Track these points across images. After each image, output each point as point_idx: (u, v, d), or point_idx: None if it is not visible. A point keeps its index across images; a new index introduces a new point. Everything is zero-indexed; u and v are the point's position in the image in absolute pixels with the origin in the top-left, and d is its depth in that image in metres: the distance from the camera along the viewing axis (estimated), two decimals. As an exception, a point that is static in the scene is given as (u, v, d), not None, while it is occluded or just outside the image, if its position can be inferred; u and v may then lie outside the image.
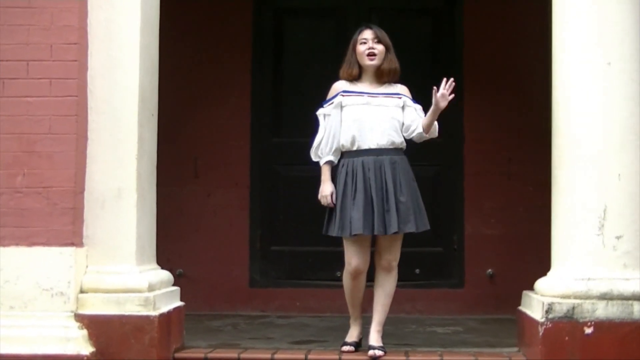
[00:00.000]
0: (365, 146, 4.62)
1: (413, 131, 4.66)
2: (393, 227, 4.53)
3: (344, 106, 4.69)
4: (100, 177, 4.51)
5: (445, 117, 6.42)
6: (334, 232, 4.60)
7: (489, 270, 6.45)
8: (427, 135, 4.69)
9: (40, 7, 4.46)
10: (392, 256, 4.68)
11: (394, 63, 4.73)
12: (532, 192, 6.28)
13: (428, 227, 4.68)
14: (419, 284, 6.44)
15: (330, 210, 4.65)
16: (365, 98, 4.68)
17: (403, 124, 4.67)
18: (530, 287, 4.62)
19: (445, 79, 4.55)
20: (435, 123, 4.68)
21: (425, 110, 4.67)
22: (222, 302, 6.41)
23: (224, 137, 6.53)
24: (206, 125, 6.53)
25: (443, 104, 4.55)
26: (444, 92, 4.54)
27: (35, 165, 4.42)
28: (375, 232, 4.55)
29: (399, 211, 4.55)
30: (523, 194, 6.42)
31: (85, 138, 4.51)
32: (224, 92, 6.55)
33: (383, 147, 4.62)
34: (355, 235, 4.53)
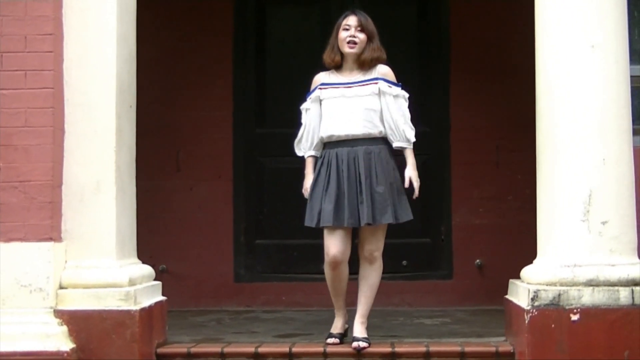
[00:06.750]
0: (340, 138, 4.59)
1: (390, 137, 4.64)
2: (366, 219, 4.48)
3: (322, 99, 4.68)
4: (79, 170, 4.44)
5: (431, 106, 6.47)
6: (306, 222, 4.60)
7: (478, 260, 6.37)
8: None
9: (13, -3, 4.38)
10: (373, 246, 4.62)
11: (377, 52, 4.67)
12: (521, 180, 6.18)
13: (410, 217, 4.63)
14: (406, 276, 6.38)
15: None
16: (340, 90, 4.64)
17: (380, 111, 4.61)
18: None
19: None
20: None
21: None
22: (207, 298, 6.34)
23: (206, 129, 6.44)
24: (188, 117, 6.44)
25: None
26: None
27: (12, 159, 4.35)
28: (346, 224, 4.51)
29: (375, 202, 4.51)
30: (512, 182, 6.33)
31: (62, 131, 4.44)
32: (205, 83, 6.46)
33: (358, 137, 4.58)
34: (323, 226, 4.51)
